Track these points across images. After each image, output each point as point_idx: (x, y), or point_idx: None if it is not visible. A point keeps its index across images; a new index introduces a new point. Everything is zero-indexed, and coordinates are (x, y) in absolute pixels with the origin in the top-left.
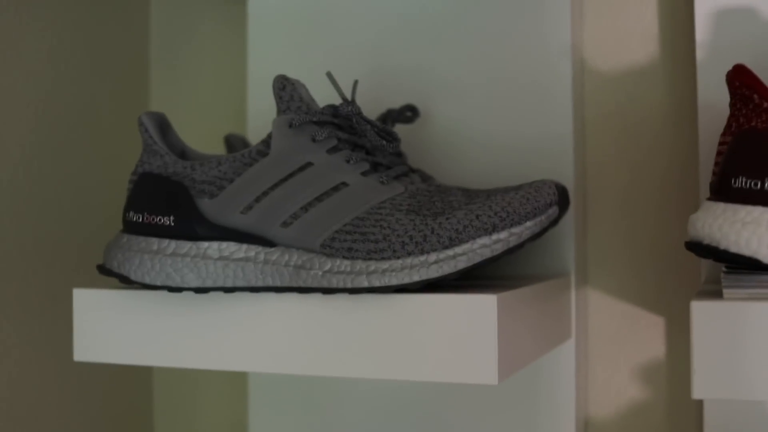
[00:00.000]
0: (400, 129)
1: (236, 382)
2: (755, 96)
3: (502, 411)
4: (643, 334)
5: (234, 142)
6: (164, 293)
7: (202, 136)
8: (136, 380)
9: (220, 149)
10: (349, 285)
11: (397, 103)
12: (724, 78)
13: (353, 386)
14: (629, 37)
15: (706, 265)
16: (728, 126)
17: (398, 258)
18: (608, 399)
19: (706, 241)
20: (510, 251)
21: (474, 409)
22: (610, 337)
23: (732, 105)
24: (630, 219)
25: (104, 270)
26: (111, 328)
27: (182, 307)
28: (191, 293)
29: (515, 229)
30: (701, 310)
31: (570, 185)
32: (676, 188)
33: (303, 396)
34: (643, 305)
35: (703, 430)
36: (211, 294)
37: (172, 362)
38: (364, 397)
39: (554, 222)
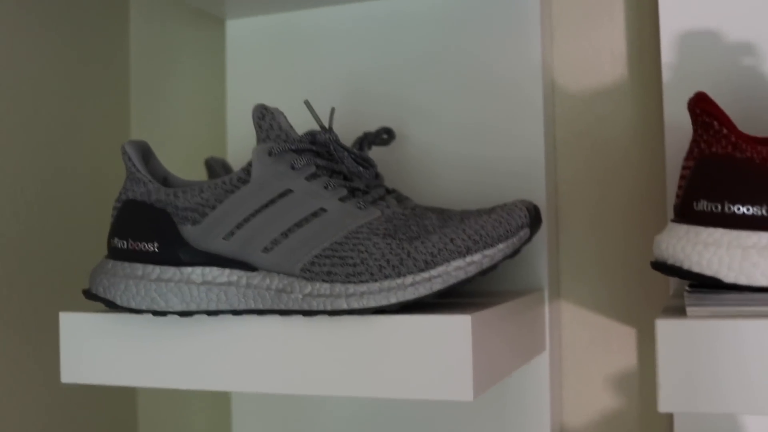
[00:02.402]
0: (376, 151)
1: (219, 398)
2: (715, 123)
3: (478, 422)
4: (614, 345)
5: (214, 166)
6: (149, 316)
7: (182, 160)
8: (120, 395)
9: (200, 172)
10: (328, 307)
11: (373, 125)
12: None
13: (333, 400)
14: (598, 59)
15: (673, 278)
16: (690, 151)
17: (376, 281)
18: (582, 408)
19: (670, 261)
20: (483, 272)
21: (450, 419)
22: (583, 349)
23: (694, 131)
24: (600, 234)
25: (90, 295)
26: (97, 350)
27: (167, 329)
28: (176, 316)
29: (488, 252)
30: (666, 328)
31: (542, 203)
32: (644, 204)
33: (285, 410)
34: (614, 317)
35: None
36: (195, 317)
37: (158, 383)
38: (342, 411)
39: (527, 241)
